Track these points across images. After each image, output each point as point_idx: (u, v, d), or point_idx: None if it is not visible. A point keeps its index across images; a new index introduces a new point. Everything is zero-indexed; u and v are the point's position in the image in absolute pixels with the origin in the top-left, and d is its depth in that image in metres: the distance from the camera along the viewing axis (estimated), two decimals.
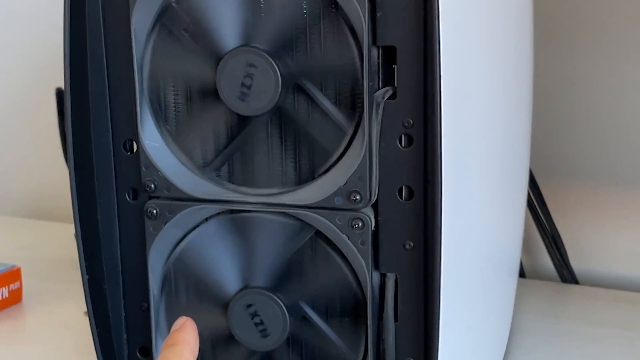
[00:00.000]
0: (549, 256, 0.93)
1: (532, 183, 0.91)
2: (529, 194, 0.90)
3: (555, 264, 0.93)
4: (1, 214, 1.30)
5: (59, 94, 0.97)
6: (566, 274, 0.93)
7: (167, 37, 0.51)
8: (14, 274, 0.88)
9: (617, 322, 0.82)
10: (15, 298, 0.88)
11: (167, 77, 0.52)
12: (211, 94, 0.50)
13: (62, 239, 1.07)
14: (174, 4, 0.50)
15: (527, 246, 0.97)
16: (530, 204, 0.91)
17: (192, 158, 0.52)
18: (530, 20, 0.73)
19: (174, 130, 0.52)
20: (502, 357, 0.70)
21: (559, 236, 0.92)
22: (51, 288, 0.92)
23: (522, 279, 0.94)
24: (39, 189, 1.27)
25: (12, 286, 0.88)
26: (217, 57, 0.50)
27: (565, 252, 0.93)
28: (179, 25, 0.50)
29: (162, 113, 0.52)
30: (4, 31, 1.25)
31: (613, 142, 0.94)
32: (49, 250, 1.07)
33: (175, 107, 0.52)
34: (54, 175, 1.07)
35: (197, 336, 0.52)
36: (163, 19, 0.50)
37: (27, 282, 0.91)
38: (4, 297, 0.86)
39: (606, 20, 0.91)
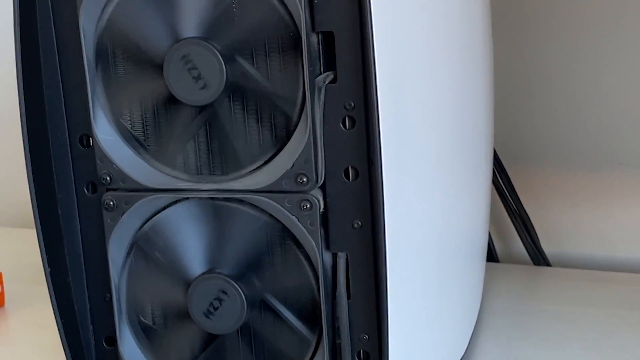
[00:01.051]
0: (520, 240, 0.95)
1: (499, 167, 0.92)
2: (495, 177, 0.92)
3: (526, 248, 0.94)
4: None
5: (20, 108, 0.97)
6: (538, 257, 0.94)
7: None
8: None
9: (587, 300, 0.83)
10: None
11: (117, 61, 0.53)
12: (159, 81, 0.52)
13: None
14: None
15: (499, 231, 0.99)
16: (498, 188, 0.93)
17: (145, 149, 0.54)
18: (485, 2, 0.74)
19: (128, 123, 0.54)
20: (469, 337, 0.71)
21: (529, 219, 0.94)
22: (34, 292, 0.93)
23: (496, 264, 0.96)
24: (23, 198, 1.28)
25: None
26: None
27: (536, 235, 0.94)
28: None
29: (113, 99, 0.54)
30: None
31: (581, 124, 0.95)
32: (33, 257, 1.07)
33: (124, 86, 0.53)
34: None
35: None
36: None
37: (11, 288, 0.92)
38: None
39: (569, 1, 0.93)
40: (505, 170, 0.92)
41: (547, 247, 0.95)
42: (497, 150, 0.90)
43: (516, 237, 0.96)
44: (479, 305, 0.77)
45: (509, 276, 0.91)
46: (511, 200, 0.93)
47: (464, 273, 0.69)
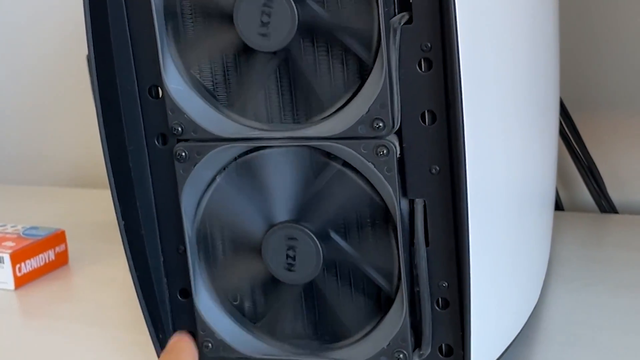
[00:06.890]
0: (587, 187, 0.93)
1: (565, 114, 0.90)
2: (562, 125, 0.90)
3: (593, 195, 0.93)
4: (44, 185, 1.32)
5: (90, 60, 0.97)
6: (605, 204, 0.93)
7: None
8: (58, 237, 0.90)
9: None
10: (61, 260, 0.90)
11: (185, 12, 0.52)
12: (228, 30, 0.51)
13: (105, 204, 1.08)
14: None
15: (564, 179, 0.97)
16: (564, 136, 0.91)
17: (216, 99, 0.53)
18: None
19: (197, 73, 0.53)
20: (540, 285, 0.70)
21: (596, 166, 0.92)
22: (96, 249, 0.94)
23: (561, 212, 0.94)
24: (81, 158, 1.29)
25: (57, 249, 0.90)
26: None
27: (603, 182, 0.93)
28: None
29: (183, 50, 0.53)
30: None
31: None
32: (93, 216, 1.09)
33: (194, 37, 0.52)
34: (95, 143, 1.09)
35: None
36: None
37: (73, 246, 0.93)
38: (50, 259, 0.89)
39: None
40: (570, 117, 0.91)
41: (614, 194, 0.93)
42: (562, 97, 0.88)
43: (580, 185, 0.94)
44: (548, 253, 0.76)
45: (576, 224, 0.90)
46: (577, 148, 0.92)
47: (538, 221, 0.67)
